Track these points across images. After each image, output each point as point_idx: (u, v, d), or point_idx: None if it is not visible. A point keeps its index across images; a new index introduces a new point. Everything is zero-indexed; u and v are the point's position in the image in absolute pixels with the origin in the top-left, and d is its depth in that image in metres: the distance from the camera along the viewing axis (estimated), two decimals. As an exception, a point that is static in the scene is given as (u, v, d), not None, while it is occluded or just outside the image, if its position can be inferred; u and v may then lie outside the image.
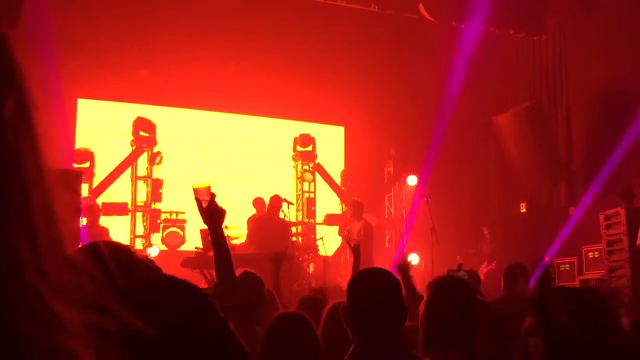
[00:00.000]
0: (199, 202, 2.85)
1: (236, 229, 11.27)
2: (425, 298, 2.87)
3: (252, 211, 10.92)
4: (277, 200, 10.46)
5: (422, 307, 2.78)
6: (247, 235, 10.47)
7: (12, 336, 0.48)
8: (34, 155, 0.59)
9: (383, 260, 11.04)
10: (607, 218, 8.96)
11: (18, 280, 0.50)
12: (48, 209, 0.54)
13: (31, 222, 0.52)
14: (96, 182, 11.62)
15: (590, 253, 9.43)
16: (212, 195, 2.75)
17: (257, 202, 11.11)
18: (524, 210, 11.93)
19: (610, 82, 10.69)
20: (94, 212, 10.18)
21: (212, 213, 2.81)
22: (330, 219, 13.56)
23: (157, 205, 11.87)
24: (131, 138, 12.00)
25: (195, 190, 3.24)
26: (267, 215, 10.41)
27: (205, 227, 10.10)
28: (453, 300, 2.80)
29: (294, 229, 12.16)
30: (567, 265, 9.80)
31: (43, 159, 0.58)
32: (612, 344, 2.24)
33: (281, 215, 10.72)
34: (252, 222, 10.47)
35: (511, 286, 5.59)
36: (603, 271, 8.96)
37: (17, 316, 0.49)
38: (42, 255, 0.52)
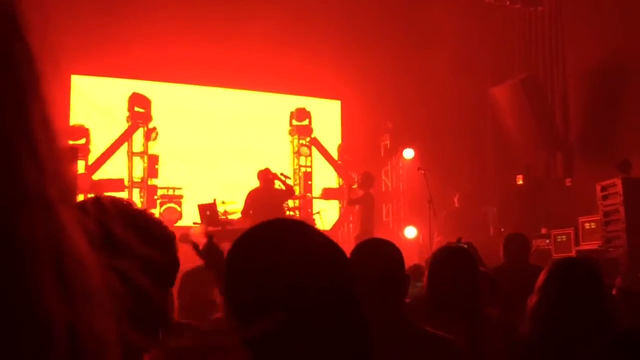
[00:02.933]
0: (195, 245, 2.69)
1: (234, 204, 11.27)
2: (427, 268, 2.88)
3: (249, 185, 10.89)
4: (265, 173, 10.48)
5: (425, 278, 2.80)
6: (243, 208, 10.47)
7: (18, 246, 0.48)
8: (39, 103, 0.59)
9: (380, 234, 11.05)
10: (603, 189, 8.98)
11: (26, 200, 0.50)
12: (52, 149, 0.55)
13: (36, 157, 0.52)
14: (92, 158, 11.59)
15: (587, 224, 9.46)
16: (209, 238, 2.60)
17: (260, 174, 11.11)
18: (520, 182, 11.94)
19: (607, 53, 10.65)
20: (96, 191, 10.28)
21: (210, 256, 2.68)
22: (327, 193, 13.58)
23: (154, 181, 11.86)
24: (126, 114, 11.95)
25: (191, 234, 3.15)
26: (261, 189, 10.40)
27: (203, 202, 10.06)
28: (456, 269, 2.81)
29: (291, 203, 12.17)
30: (564, 236, 9.84)
31: (49, 110, 0.59)
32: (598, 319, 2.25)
33: (277, 186, 10.74)
34: (249, 196, 10.49)
35: (511, 256, 5.62)
36: (600, 242, 9.00)
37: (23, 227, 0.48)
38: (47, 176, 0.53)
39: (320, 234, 1.33)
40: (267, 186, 10.38)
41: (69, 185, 0.55)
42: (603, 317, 2.21)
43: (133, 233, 1.22)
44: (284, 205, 10.62)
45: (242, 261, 1.26)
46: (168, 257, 1.40)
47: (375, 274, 2.34)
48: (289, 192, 10.79)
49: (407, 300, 3.37)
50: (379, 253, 2.42)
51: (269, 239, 1.29)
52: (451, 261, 2.90)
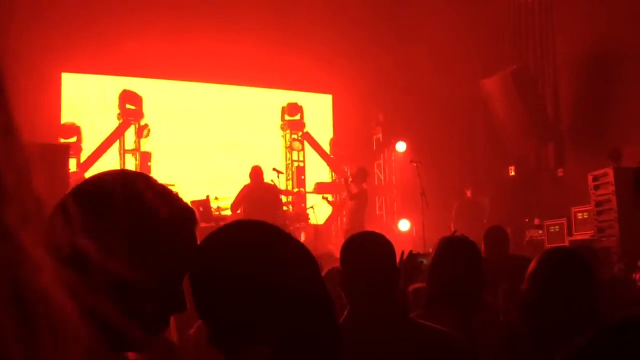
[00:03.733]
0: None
1: (226, 200, 11.26)
2: (431, 258, 2.89)
3: (241, 181, 10.88)
4: (257, 170, 10.47)
5: (428, 268, 2.81)
6: (234, 201, 10.43)
7: None
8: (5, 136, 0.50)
9: (373, 228, 11.07)
10: (595, 178, 9.00)
11: None
12: (13, 165, 0.49)
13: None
14: (84, 156, 11.56)
15: (580, 214, 9.49)
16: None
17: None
18: (512, 173, 11.96)
19: (598, 43, 10.66)
20: None
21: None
22: (320, 188, 13.58)
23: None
24: (118, 111, 11.92)
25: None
26: (253, 186, 10.39)
27: (196, 199, 10.03)
28: (460, 260, 2.83)
29: (284, 198, 12.17)
30: (557, 227, 9.87)
31: (17, 139, 0.51)
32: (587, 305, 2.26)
33: (269, 181, 10.74)
34: (241, 191, 10.46)
35: (491, 248, 5.65)
36: (592, 231, 9.03)
37: None
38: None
39: (284, 237, 1.31)
40: (259, 183, 10.37)
41: (33, 204, 0.49)
42: (592, 306, 2.22)
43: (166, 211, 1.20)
44: (277, 201, 10.59)
45: (214, 280, 1.24)
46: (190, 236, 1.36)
47: (367, 267, 2.35)
48: (279, 190, 10.83)
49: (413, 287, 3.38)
50: (371, 246, 2.43)
51: (236, 253, 1.27)
52: (456, 252, 2.92)
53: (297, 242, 1.31)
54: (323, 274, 3.40)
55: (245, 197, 10.25)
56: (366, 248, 2.41)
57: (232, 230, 1.30)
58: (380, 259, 2.37)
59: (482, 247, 5.80)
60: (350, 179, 11.31)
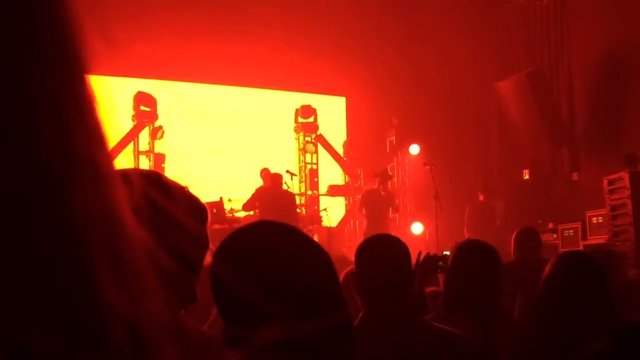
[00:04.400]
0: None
1: (240, 202, 11.28)
2: (449, 261, 2.88)
3: (255, 183, 10.89)
4: (279, 177, 10.51)
5: (445, 271, 2.80)
6: (247, 201, 10.44)
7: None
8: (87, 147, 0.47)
9: (387, 231, 11.05)
10: (610, 183, 8.95)
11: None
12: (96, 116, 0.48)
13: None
14: (98, 158, 11.61)
15: (594, 218, 9.44)
16: None
17: (264, 173, 11.13)
18: (527, 176, 11.91)
19: (613, 46, 10.61)
20: None
21: None
22: (333, 190, 13.57)
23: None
24: (132, 113, 11.96)
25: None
26: (271, 188, 10.37)
27: (209, 200, 10.03)
28: (480, 264, 2.82)
29: (297, 200, 12.19)
30: (571, 231, 9.82)
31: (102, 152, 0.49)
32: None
33: (284, 187, 10.73)
34: (257, 192, 10.45)
35: (523, 250, 5.61)
36: (607, 236, 8.98)
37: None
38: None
39: (303, 237, 1.32)
40: (275, 186, 10.38)
41: (112, 156, 0.48)
42: (607, 310, 2.21)
43: (179, 207, 1.23)
44: (292, 207, 10.56)
45: (235, 279, 1.25)
46: (205, 230, 1.42)
47: (382, 269, 2.35)
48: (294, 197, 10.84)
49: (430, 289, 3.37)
50: (386, 248, 2.43)
51: (255, 249, 1.28)
52: (475, 256, 2.91)
53: (316, 244, 1.31)
54: (340, 276, 3.40)
55: (260, 199, 10.25)
56: (381, 250, 2.41)
57: (255, 230, 1.31)
58: (395, 261, 2.37)
59: (512, 249, 5.77)
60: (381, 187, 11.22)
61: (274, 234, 1.30)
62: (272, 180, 10.42)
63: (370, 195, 11.15)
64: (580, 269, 2.38)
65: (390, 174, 11.79)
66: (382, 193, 10.98)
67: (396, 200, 11.43)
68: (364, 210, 11.03)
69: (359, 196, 11.64)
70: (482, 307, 2.73)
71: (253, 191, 10.60)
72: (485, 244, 3.01)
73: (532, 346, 2.38)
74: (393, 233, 10.47)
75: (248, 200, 10.44)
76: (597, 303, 2.22)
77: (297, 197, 12.32)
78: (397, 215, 12.41)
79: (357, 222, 13.68)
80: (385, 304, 2.31)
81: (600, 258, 3.89)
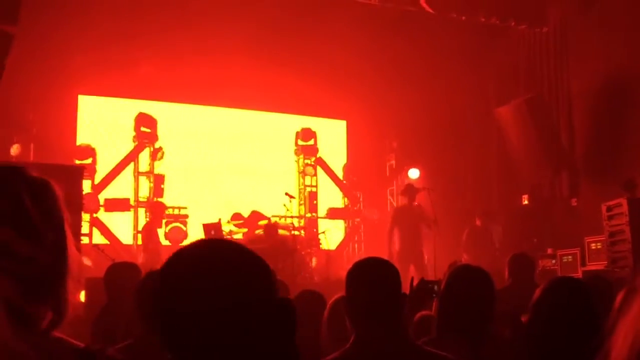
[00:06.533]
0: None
1: (237, 222, 11.30)
2: (443, 286, 2.89)
3: (254, 205, 10.89)
4: (270, 228, 10.22)
5: (439, 295, 2.80)
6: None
7: None
8: None
9: (385, 255, 11.03)
10: (609, 209, 8.94)
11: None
12: None
13: None
14: (98, 178, 11.64)
15: (593, 244, 9.42)
16: None
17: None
18: (526, 202, 11.91)
19: (612, 73, 10.66)
20: (157, 211, 10.59)
21: None
22: (332, 213, 13.58)
23: (160, 201, 11.88)
24: (133, 134, 12.01)
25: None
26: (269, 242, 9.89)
27: (208, 221, 10.06)
28: (473, 289, 2.82)
29: (296, 222, 12.16)
30: (570, 257, 9.80)
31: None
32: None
33: (283, 210, 10.72)
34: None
35: (517, 275, 5.61)
36: (606, 262, 8.96)
37: None
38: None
39: (245, 254, 1.33)
40: (271, 239, 10.00)
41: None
42: (594, 336, 2.21)
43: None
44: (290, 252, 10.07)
45: (173, 300, 1.25)
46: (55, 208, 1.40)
47: (370, 293, 2.35)
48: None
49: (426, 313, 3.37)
50: (375, 272, 2.44)
51: (197, 263, 1.29)
52: (468, 280, 2.91)
53: (256, 257, 1.32)
54: (332, 300, 3.39)
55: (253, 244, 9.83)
56: (370, 274, 2.42)
57: (191, 250, 1.32)
58: (385, 285, 2.37)
59: (506, 274, 5.77)
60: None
61: (209, 250, 1.32)
62: (265, 232, 10.23)
63: (401, 212, 11.05)
64: (569, 295, 2.38)
65: (417, 187, 11.41)
66: (413, 209, 10.82)
67: (427, 214, 10.82)
68: (395, 231, 10.90)
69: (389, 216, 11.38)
70: (475, 332, 2.73)
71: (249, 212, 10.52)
72: (479, 269, 3.01)
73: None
74: (426, 251, 10.37)
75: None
76: (586, 328, 2.22)
77: (295, 219, 12.31)
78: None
79: (356, 245, 13.68)
80: (376, 328, 2.31)
81: (591, 284, 3.89)
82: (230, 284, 1.25)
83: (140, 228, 11.70)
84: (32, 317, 1.26)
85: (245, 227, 10.77)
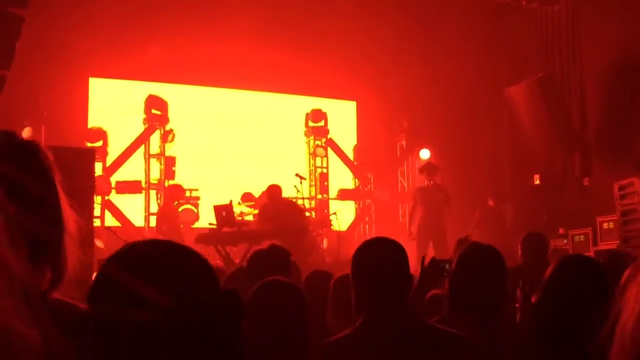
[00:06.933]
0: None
1: (249, 204, 11.32)
2: (454, 265, 2.89)
3: (264, 187, 10.86)
4: (274, 187, 9.99)
5: (450, 274, 2.81)
6: (258, 220, 10.08)
7: None
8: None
9: (396, 235, 11.05)
10: (621, 188, 8.91)
11: None
12: None
13: None
14: (110, 160, 11.68)
15: (605, 223, 9.40)
16: None
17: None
18: (537, 182, 11.88)
19: (624, 52, 10.57)
20: (174, 194, 10.62)
21: None
22: (343, 194, 13.59)
23: (171, 183, 11.92)
24: (143, 116, 12.03)
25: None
26: (270, 200, 9.88)
27: (219, 203, 10.02)
28: (484, 267, 2.82)
29: (306, 204, 12.18)
30: (582, 236, 9.78)
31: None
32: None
33: (294, 191, 10.71)
34: (259, 209, 10.07)
35: (530, 254, 5.62)
36: (618, 241, 8.94)
37: None
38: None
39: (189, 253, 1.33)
40: (273, 199, 9.85)
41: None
42: (607, 314, 2.21)
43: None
44: (296, 212, 10.00)
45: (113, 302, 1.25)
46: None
47: (378, 273, 2.35)
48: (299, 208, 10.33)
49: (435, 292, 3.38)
50: (381, 252, 2.44)
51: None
52: (481, 259, 2.91)
53: (196, 255, 1.32)
54: (335, 278, 3.40)
55: (262, 217, 9.77)
56: (376, 255, 2.42)
57: (128, 251, 1.31)
58: (391, 265, 2.37)
59: (519, 253, 5.79)
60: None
61: (147, 251, 1.30)
62: (268, 193, 10.00)
63: (421, 193, 11.05)
64: (580, 272, 2.38)
65: (436, 164, 11.29)
66: (433, 187, 10.76)
67: (447, 193, 10.71)
68: (417, 210, 10.87)
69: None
70: (486, 310, 2.74)
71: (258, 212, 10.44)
72: (490, 246, 3.01)
73: (533, 348, 2.39)
74: (402, 237, 10.41)
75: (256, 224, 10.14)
76: (597, 306, 2.22)
77: (306, 201, 12.33)
78: (406, 219, 12.32)
79: (367, 226, 13.69)
80: (383, 308, 2.31)
81: (608, 260, 3.89)
82: (171, 280, 1.25)
83: (152, 210, 11.77)
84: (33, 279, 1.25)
85: (256, 208, 10.76)
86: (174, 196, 11.04)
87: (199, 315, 1.22)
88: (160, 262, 1.27)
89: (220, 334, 1.24)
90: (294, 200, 10.73)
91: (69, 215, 1.39)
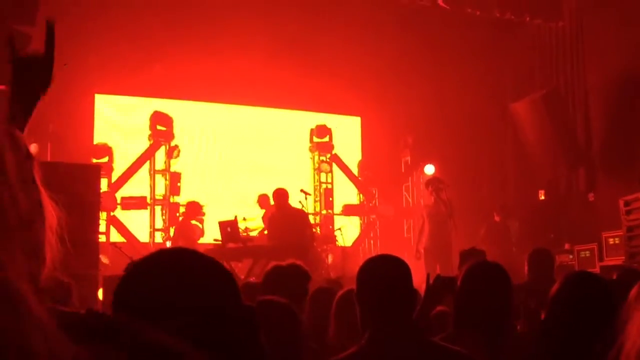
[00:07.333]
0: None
1: (254, 220, 11.32)
2: (459, 282, 2.89)
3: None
4: (281, 193, 9.90)
5: (455, 290, 2.80)
6: (268, 234, 10.07)
7: None
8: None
9: (401, 251, 11.04)
10: (627, 203, 8.89)
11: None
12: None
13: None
14: (115, 176, 11.71)
15: (611, 239, 9.37)
16: None
17: (262, 200, 11.07)
18: (543, 197, 11.87)
19: (628, 67, 10.58)
20: (193, 210, 10.60)
21: None
22: (348, 210, 13.58)
23: (176, 199, 11.94)
24: (149, 132, 12.07)
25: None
26: (277, 210, 9.85)
27: (224, 219, 10.00)
28: (488, 285, 2.82)
29: (311, 219, 12.16)
30: (587, 252, 9.75)
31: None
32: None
33: (299, 205, 10.70)
34: (268, 220, 10.00)
35: (536, 271, 5.60)
36: (623, 257, 8.91)
37: None
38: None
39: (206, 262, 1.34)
40: (283, 205, 9.80)
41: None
42: (611, 331, 2.20)
43: None
44: (304, 225, 9.93)
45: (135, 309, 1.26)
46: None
47: (383, 290, 2.36)
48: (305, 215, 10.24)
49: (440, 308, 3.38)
50: (384, 268, 2.44)
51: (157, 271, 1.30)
52: (486, 277, 2.91)
53: (215, 263, 1.33)
54: (339, 294, 3.39)
55: (270, 226, 9.79)
56: (381, 272, 2.43)
57: (150, 260, 1.32)
58: (395, 282, 2.38)
59: (526, 269, 5.76)
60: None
61: (169, 259, 1.32)
62: (275, 200, 9.91)
63: (428, 210, 11.05)
64: (586, 289, 2.38)
65: (441, 179, 11.21)
66: (438, 203, 10.76)
67: (452, 207, 10.69)
68: (425, 228, 10.88)
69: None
70: (492, 327, 2.73)
71: (262, 219, 10.48)
72: (496, 264, 3.01)
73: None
74: (407, 253, 10.38)
75: (268, 234, 10.03)
76: (604, 323, 2.22)
77: (311, 216, 12.32)
78: (411, 235, 12.30)
79: (372, 242, 13.67)
80: (388, 325, 2.31)
81: (618, 276, 3.87)
82: (193, 290, 1.26)
83: (157, 226, 11.78)
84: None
85: (265, 218, 10.76)
86: (192, 213, 10.97)
87: (222, 328, 1.23)
88: (188, 271, 1.29)
89: (240, 347, 1.25)
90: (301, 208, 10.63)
91: (47, 205, 1.37)
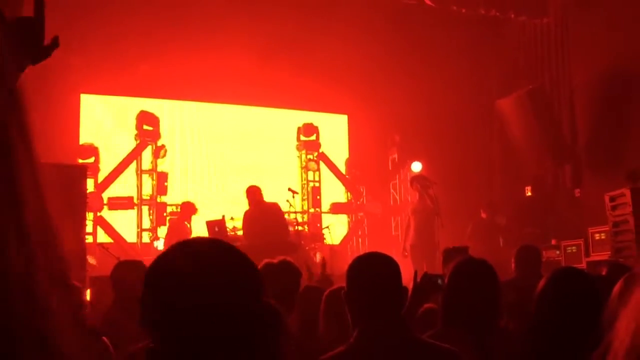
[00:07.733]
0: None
1: (241, 220, 11.30)
2: (447, 280, 2.90)
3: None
4: (254, 190, 9.71)
5: (443, 288, 2.82)
6: (245, 232, 9.96)
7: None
8: (26, 151, 0.55)
9: (389, 249, 11.04)
10: (612, 199, 8.95)
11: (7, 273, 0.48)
12: (40, 208, 0.53)
13: (22, 222, 0.50)
14: (101, 176, 11.66)
15: (597, 234, 9.43)
16: None
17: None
18: (529, 193, 11.92)
19: (614, 63, 10.65)
20: (188, 211, 10.52)
21: None
22: (335, 208, 13.60)
23: (163, 199, 11.90)
24: (135, 132, 12.02)
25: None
26: (255, 206, 9.61)
27: (212, 218, 9.99)
28: (476, 282, 2.83)
29: (299, 217, 12.16)
30: (574, 247, 9.81)
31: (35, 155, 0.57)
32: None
33: (287, 205, 10.68)
34: (246, 218, 9.77)
35: (523, 267, 5.63)
36: (610, 252, 8.97)
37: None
38: (32, 249, 0.50)
39: (232, 254, 1.35)
40: (257, 204, 9.59)
41: (61, 266, 0.54)
42: (599, 327, 2.22)
43: None
44: (279, 220, 9.70)
45: (162, 297, 1.28)
46: None
47: (372, 288, 2.36)
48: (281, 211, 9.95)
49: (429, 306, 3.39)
50: (374, 266, 2.45)
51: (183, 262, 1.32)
52: (474, 274, 2.92)
53: (241, 255, 1.36)
54: (327, 292, 3.40)
55: (247, 224, 9.59)
56: (370, 269, 2.43)
57: (178, 249, 1.35)
58: (384, 279, 2.38)
59: (513, 266, 5.80)
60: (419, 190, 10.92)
61: (195, 249, 1.37)
62: (251, 198, 9.67)
63: (414, 207, 11.06)
64: (572, 284, 2.40)
65: (426, 177, 11.24)
66: (425, 201, 10.74)
67: (438, 204, 10.65)
68: (411, 226, 10.90)
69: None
70: (479, 324, 2.75)
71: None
72: (482, 261, 3.02)
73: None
74: (394, 250, 10.40)
75: (243, 233, 9.91)
76: (590, 318, 2.23)
77: (299, 215, 12.31)
78: (399, 232, 12.31)
79: (360, 239, 13.69)
80: (377, 323, 2.32)
81: (613, 272, 3.90)
82: (221, 283, 1.27)
83: (144, 226, 11.74)
84: None
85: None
86: (187, 213, 10.89)
87: (244, 321, 1.25)
88: (217, 261, 1.33)
89: (259, 345, 1.26)
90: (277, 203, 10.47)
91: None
